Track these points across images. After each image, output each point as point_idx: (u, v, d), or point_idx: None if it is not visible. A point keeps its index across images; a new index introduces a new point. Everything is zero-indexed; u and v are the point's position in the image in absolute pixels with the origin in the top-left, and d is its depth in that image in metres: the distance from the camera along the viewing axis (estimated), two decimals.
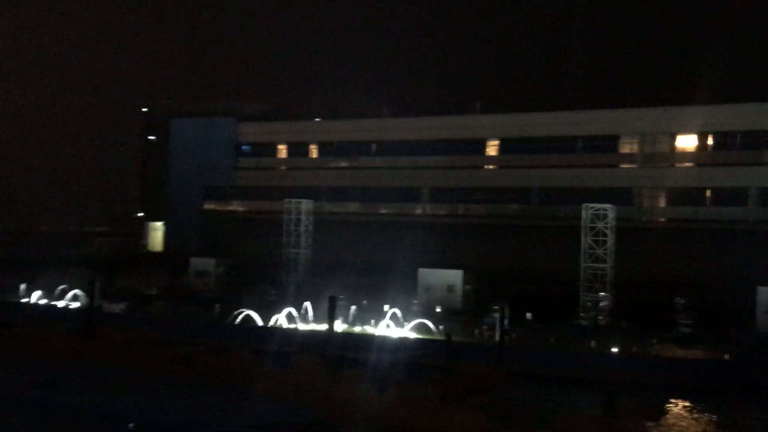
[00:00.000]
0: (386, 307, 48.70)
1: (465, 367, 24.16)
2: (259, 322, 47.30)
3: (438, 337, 42.61)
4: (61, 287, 55.80)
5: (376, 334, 45.20)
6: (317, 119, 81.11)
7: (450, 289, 56.64)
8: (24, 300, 56.41)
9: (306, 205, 65.71)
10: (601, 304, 52.85)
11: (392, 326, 46.11)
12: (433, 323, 45.88)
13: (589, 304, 53.07)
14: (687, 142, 62.67)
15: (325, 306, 41.91)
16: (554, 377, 35.96)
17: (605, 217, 54.06)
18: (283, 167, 79.13)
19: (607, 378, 33.87)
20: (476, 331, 47.71)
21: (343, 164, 75.64)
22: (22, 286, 57.89)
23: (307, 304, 49.52)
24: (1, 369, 21.52)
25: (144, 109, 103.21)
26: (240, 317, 47.83)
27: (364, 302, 53.17)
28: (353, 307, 50.52)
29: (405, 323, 46.08)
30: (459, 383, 20.84)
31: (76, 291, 53.71)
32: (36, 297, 56.30)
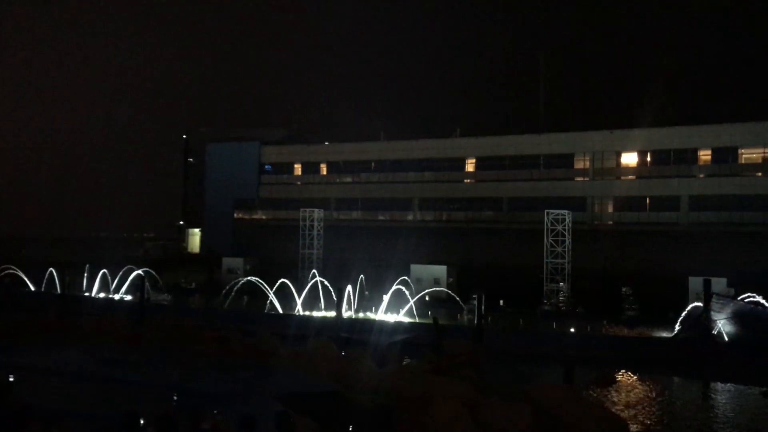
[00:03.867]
0: (384, 297, 48.66)
1: (451, 346, 24.25)
2: (273, 299, 47.12)
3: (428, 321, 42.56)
4: (115, 282, 55.70)
5: (376, 319, 45.16)
6: (326, 143, 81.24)
7: (437, 281, 56.67)
8: (86, 294, 56.24)
9: (318, 213, 65.84)
10: (561, 293, 53.01)
11: (389, 312, 46.16)
12: (423, 310, 45.92)
13: (551, 293, 53.23)
14: (630, 158, 62.93)
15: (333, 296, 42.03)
16: (524, 354, 36.01)
17: (563, 221, 54.25)
18: (298, 183, 79.21)
19: (567, 354, 33.90)
20: (458, 316, 47.81)
21: (348, 180, 75.72)
22: (84, 283, 57.78)
23: (320, 294, 49.57)
24: (74, 350, 22.03)
25: (184, 136, 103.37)
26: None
27: (366, 293, 53.13)
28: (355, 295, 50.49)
29: (400, 310, 46.08)
30: (448, 359, 20.94)
31: (137, 272, 53.02)
32: (95, 291, 56.15)
